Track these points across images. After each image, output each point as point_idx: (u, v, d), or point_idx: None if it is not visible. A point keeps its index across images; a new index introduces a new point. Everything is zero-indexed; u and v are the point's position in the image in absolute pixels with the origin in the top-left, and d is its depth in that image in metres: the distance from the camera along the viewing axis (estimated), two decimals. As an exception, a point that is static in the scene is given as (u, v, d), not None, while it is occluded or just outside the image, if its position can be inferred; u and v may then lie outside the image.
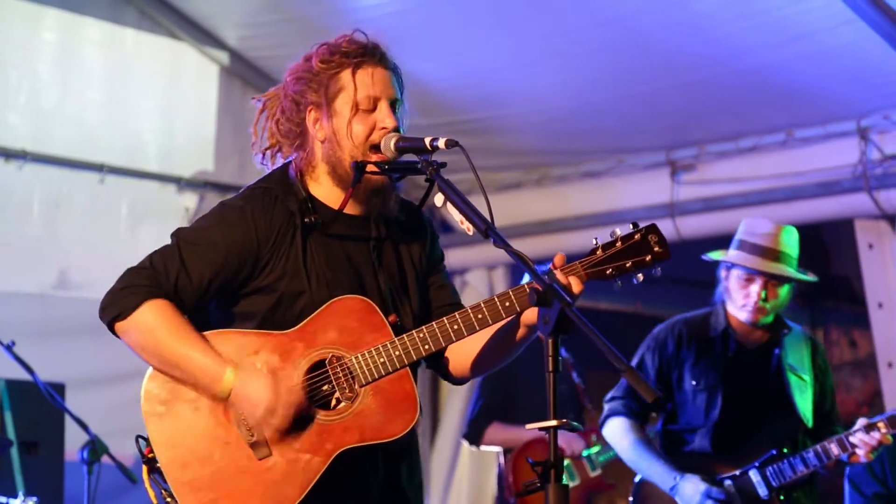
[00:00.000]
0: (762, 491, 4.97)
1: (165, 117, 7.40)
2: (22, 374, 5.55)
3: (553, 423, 2.80)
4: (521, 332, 3.26)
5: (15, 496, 5.16)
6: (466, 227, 3.04)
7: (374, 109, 3.24)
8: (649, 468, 5.10)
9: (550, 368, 2.80)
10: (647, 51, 6.75)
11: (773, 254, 5.04)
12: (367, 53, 3.26)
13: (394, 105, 3.26)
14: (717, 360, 5.13)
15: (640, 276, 3.17)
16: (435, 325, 3.15)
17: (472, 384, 7.31)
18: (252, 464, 3.09)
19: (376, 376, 3.12)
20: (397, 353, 3.13)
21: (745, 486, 4.99)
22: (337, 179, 3.27)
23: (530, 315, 3.17)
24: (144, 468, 3.16)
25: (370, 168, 3.21)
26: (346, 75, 3.24)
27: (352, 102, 3.22)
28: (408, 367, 3.15)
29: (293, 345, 3.15)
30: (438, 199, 3.10)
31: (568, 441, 6.64)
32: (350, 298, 3.18)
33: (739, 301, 5.08)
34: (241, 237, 3.18)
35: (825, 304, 9.72)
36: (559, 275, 3.13)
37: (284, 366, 3.12)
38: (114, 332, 3.19)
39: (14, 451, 5.76)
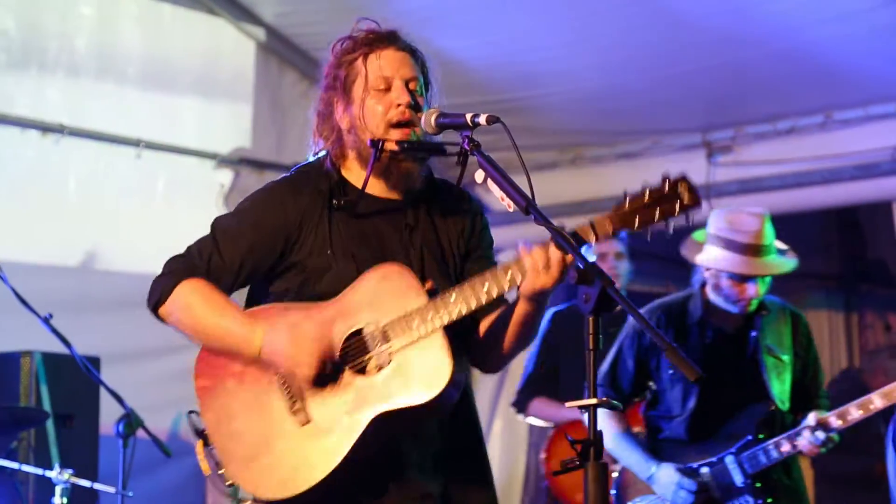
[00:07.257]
0: (738, 478, 4.90)
1: (203, 93, 7.41)
2: (58, 348, 5.58)
3: (592, 401, 2.80)
4: (524, 306, 3.18)
5: (51, 468, 5.19)
6: (507, 203, 3.03)
7: (388, 89, 3.25)
8: (628, 457, 5.07)
9: (591, 347, 2.80)
10: (682, 30, 6.71)
11: (763, 250, 4.95)
12: (378, 38, 3.29)
13: (411, 85, 3.27)
14: (694, 348, 5.05)
15: (671, 228, 3.03)
16: (466, 285, 3.11)
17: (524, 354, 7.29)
18: (295, 429, 3.16)
19: (411, 341, 3.11)
20: (430, 315, 3.10)
21: (721, 474, 4.92)
22: (363, 163, 3.29)
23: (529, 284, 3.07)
24: (199, 442, 3.27)
25: (389, 146, 3.21)
26: (359, 63, 3.27)
27: (364, 85, 3.25)
28: (442, 331, 3.11)
29: (331, 313, 3.18)
30: (479, 175, 3.09)
31: None
32: (386, 265, 3.18)
33: (733, 298, 5.00)
34: (271, 218, 3.26)
35: (860, 287, 9.65)
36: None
37: (324, 333, 3.14)
38: (160, 319, 3.28)
39: (50, 424, 5.80)
